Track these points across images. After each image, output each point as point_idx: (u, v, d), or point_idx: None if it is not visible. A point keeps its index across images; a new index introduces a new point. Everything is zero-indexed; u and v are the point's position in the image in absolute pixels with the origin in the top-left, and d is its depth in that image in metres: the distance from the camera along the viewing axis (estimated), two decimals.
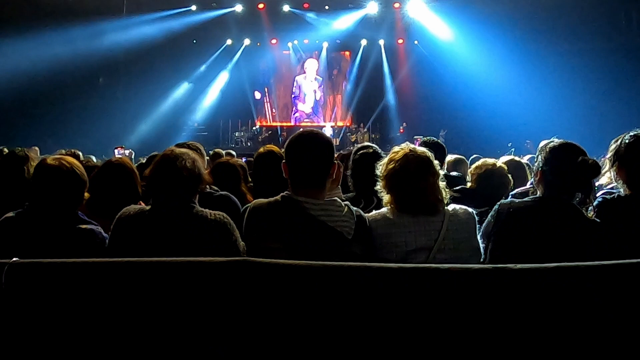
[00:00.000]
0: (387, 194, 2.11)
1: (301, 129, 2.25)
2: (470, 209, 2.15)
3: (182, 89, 16.70)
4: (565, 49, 12.89)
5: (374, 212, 2.16)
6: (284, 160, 2.07)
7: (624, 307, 1.63)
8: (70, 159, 2.30)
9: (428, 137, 4.24)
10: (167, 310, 1.73)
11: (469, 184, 3.38)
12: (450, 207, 2.11)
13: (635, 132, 2.25)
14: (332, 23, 16.44)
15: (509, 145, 12.54)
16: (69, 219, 2.20)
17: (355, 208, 2.07)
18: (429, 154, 2.12)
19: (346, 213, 2.00)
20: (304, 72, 18.55)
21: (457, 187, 3.21)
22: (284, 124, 18.23)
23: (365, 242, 2.01)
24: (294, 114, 18.55)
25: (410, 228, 2.03)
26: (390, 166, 2.08)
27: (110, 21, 12.99)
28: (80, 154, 5.20)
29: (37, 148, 10.52)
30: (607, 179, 3.05)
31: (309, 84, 18.56)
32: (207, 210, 2.17)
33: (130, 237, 2.10)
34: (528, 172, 3.73)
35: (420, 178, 2.04)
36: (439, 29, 15.42)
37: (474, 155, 5.93)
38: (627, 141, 2.23)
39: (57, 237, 2.13)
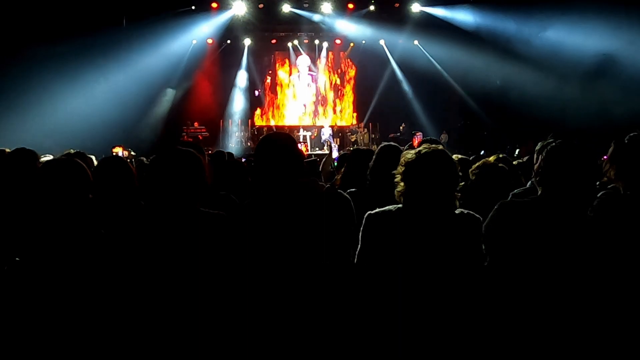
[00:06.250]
0: (402, 181, 2.10)
1: (268, 132, 2.46)
2: (477, 215, 2.13)
3: (181, 88, 16.66)
4: None
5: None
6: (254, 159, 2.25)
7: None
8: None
9: (428, 138, 4.22)
10: None
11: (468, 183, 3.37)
12: (457, 210, 2.10)
13: (635, 133, 2.26)
14: (332, 23, 16.43)
15: (482, 153, 12.52)
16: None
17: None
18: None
19: (329, 187, 2.30)
20: (298, 72, 18.55)
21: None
22: (284, 123, 18.22)
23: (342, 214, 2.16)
24: (292, 114, 18.56)
25: (415, 227, 2.02)
26: (415, 156, 2.08)
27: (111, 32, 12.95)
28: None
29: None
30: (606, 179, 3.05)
31: (303, 81, 18.57)
32: (207, 209, 2.17)
33: (128, 237, 2.11)
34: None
35: (441, 172, 2.04)
36: (439, 28, 15.40)
37: (474, 156, 5.92)
38: (625, 141, 2.24)
39: None
